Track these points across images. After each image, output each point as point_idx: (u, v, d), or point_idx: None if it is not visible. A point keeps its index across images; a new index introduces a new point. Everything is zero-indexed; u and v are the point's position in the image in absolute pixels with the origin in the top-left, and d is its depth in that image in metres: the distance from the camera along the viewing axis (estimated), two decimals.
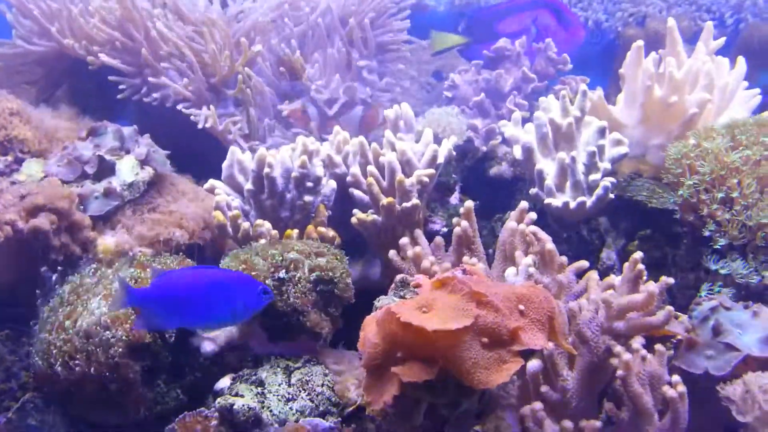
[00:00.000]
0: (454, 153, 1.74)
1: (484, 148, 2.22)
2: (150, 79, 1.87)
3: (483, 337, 1.08)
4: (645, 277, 1.37)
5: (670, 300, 1.68)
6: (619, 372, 1.23)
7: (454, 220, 1.49)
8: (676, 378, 1.20)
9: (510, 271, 1.36)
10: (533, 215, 1.53)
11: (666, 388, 1.20)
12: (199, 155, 2.05)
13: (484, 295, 1.12)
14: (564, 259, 1.45)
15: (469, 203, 1.48)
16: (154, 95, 1.92)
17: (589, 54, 2.93)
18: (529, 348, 1.08)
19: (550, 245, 1.42)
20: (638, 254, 1.35)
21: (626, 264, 1.36)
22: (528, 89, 2.29)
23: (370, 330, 1.17)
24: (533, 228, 1.45)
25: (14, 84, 1.98)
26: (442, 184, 2.05)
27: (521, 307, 1.14)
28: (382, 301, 1.29)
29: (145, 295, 1.06)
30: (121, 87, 1.93)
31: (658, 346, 1.28)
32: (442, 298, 1.14)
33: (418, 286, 1.26)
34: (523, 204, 1.52)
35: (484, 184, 2.25)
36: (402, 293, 1.29)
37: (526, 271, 1.34)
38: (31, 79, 2.02)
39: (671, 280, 1.31)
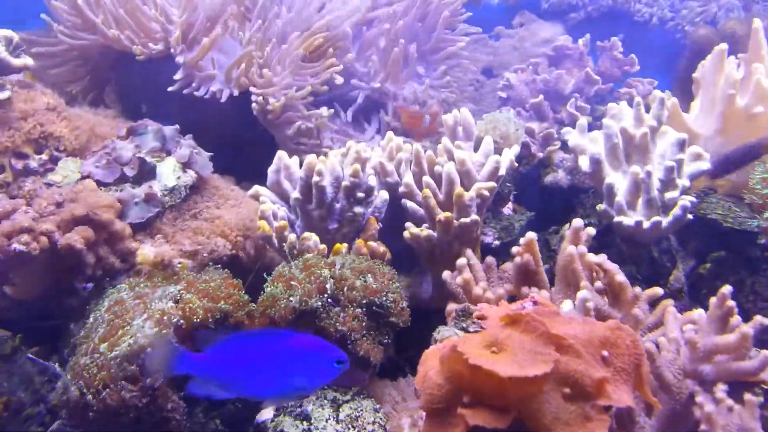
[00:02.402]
0: (516, 164, 1.61)
1: (541, 155, 2.08)
2: (202, 72, 1.75)
3: (564, 387, 0.96)
4: (736, 313, 1.24)
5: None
6: (702, 427, 1.09)
7: (514, 249, 1.36)
8: None
9: (566, 305, 1.23)
10: (591, 231, 1.39)
11: None
12: (245, 154, 1.96)
13: (562, 338, 0.99)
14: (638, 290, 1.32)
15: (531, 235, 1.34)
16: (212, 88, 1.81)
17: (650, 54, 2.76)
18: (615, 405, 0.95)
19: (620, 277, 1.28)
20: (727, 289, 1.20)
21: (713, 300, 1.22)
22: (591, 92, 2.14)
23: (431, 366, 1.05)
24: (597, 258, 1.31)
25: (57, 83, 1.89)
26: (495, 193, 1.92)
27: (605, 352, 1.01)
28: (442, 333, 1.17)
29: (202, 364, 0.96)
30: (175, 77, 1.83)
31: (748, 396, 1.14)
32: (515, 338, 1.02)
33: (482, 318, 1.13)
34: (577, 222, 1.37)
35: (539, 192, 2.12)
36: (464, 325, 1.17)
37: (583, 307, 1.20)
38: (74, 78, 1.93)
39: (767, 321, 1.17)
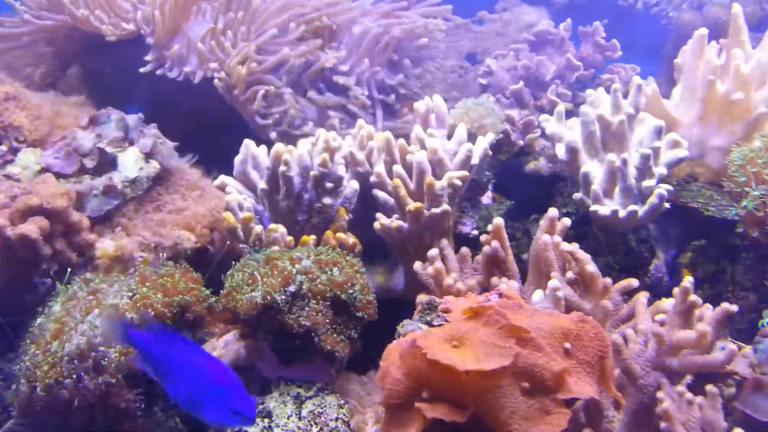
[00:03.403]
0: (491, 152, 1.57)
1: (521, 142, 2.04)
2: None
3: (523, 381, 0.94)
4: (700, 305, 1.21)
5: (726, 322, 1.50)
6: (663, 424, 1.07)
7: (482, 237, 1.33)
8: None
9: (537, 294, 1.21)
10: (566, 221, 1.37)
11: None
12: (214, 142, 1.92)
13: (525, 331, 0.97)
14: (608, 280, 1.29)
15: (498, 221, 1.32)
16: (185, 69, 1.76)
17: (635, 39, 2.72)
18: (576, 397, 0.93)
19: (590, 267, 1.26)
20: (688, 281, 1.17)
21: (676, 290, 1.19)
22: (572, 78, 2.10)
23: (392, 362, 1.03)
24: (569, 247, 1.29)
25: (18, 67, 1.84)
26: (474, 182, 1.88)
27: (567, 345, 0.99)
28: (406, 327, 1.14)
29: (142, 342, 0.96)
30: (147, 58, 1.79)
31: (710, 388, 1.11)
32: (476, 331, 0.99)
33: (447, 311, 1.11)
34: (552, 212, 1.36)
35: (520, 180, 2.08)
36: (429, 318, 1.14)
37: (553, 296, 1.18)
38: (36, 61, 1.88)
39: (734, 308, 1.15)
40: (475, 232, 1.84)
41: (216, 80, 1.75)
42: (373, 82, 2.01)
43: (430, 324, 1.13)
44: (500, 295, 1.12)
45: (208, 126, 2.01)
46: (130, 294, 1.09)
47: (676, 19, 2.45)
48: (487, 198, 1.96)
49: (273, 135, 1.80)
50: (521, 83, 2.08)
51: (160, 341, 0.93)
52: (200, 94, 1.88)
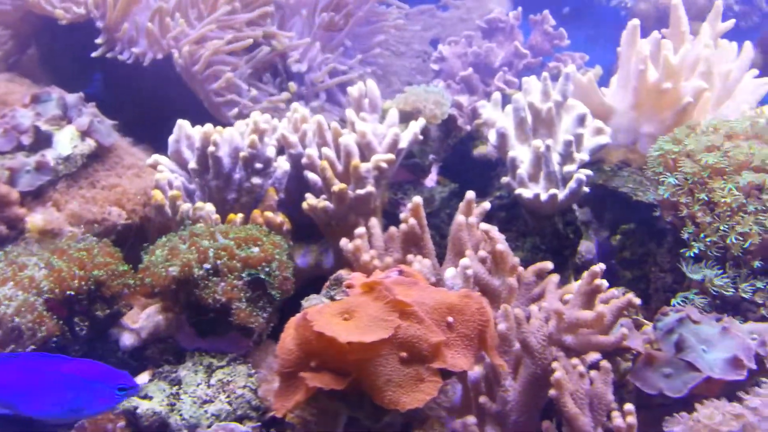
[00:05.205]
0: (421, 137, 1.62)
1: (468, 128, 2.09)
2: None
3: (402, 351, 1.00)
4: (605, 289, 1.27)
5: (643, 303, 1.56)
6: (552, 391, 1.13)
7: (402, 215, 1.39)
8: (628, 407, 1.10)
9: (449, 272, 1.27)
10: (486, 205, 1.43)
11: (615, 415, 1.11)
12: (168, 124, 1.97)
13: (407, 305, 1.03)
14: (516, 260, 1.36)
15: (417, 199, 1.37)
16: (134, 50, 1.81)
17: (598, 30, 2.76)
18: (450, 368, 0.99)
19: (500, 246, 1.31)
20: (599, 267, 1.23)
21: (585, 273, 1.25)
22: (520, 65, 2.14)
23: (288, 334, 1.09)
24: (486, 226, 1.35)
25: None
26: (416, 165, 1.94)
27: (450, 319, 1.05)
28: (310, 301, 1.21)
29: None
30: (98, 41, 1.84)
31: (604, 363, 1.18)
32: (366, 306, 1.05)
33: (350, 286, 1.17)
34: (469, 194, 1.42)
35: (467, 165, 2.14)
36: (333, 293, 1.20)
37: (463, 273, 1.24)
38: None
39: (636, 301, 1.21)
40: None
41: (176, 56, 1.79)
42: (324, 68, 2.05)
43: (332, 298, 1.19)
44: (401, 272, 1.17)
45: (162, 108, 2.05)
46: (49, 267, 1.15)
47: (633, 10, 2.48)
48: (431, 181, 2.01)
49: (229, 114, 1.85)
50: (470, 70, 2.12)
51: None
52: (154, 76, 1.93)
